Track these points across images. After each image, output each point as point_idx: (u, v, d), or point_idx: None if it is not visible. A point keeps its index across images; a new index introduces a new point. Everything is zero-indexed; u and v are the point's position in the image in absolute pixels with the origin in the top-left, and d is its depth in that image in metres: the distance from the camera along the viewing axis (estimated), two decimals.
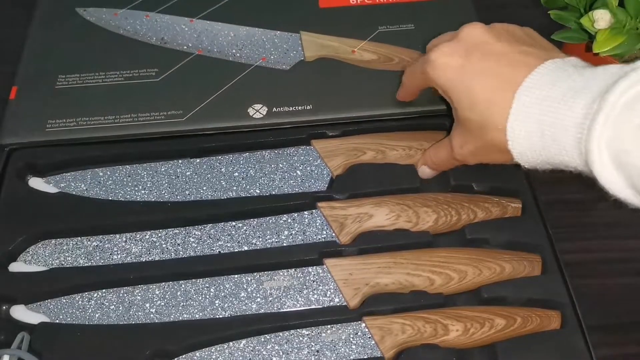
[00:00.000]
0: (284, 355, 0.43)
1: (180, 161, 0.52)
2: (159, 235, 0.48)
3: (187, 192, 0.50)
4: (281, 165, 0.50)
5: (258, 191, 0.50)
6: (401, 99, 0.53)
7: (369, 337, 0.43)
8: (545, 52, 0.41)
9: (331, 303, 0.45)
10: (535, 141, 0.38)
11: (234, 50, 0.58)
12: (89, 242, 0.48)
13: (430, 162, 0.49)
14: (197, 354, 0.43)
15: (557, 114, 0.37)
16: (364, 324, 0.44)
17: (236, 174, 0.50)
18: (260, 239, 0.48)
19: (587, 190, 0.40)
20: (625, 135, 0.34)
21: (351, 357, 0.43)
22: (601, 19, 0.47)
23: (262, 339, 0.44)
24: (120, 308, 0.45)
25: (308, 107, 0.54)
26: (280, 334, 0.44)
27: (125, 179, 0.51)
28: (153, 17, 0.60)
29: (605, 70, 0.37)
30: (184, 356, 0.43)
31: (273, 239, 0.48)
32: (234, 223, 0.48)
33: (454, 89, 0.43)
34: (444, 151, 0.47)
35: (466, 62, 0.42)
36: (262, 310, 0.45)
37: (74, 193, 0.50)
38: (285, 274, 0.46)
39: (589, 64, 0.39)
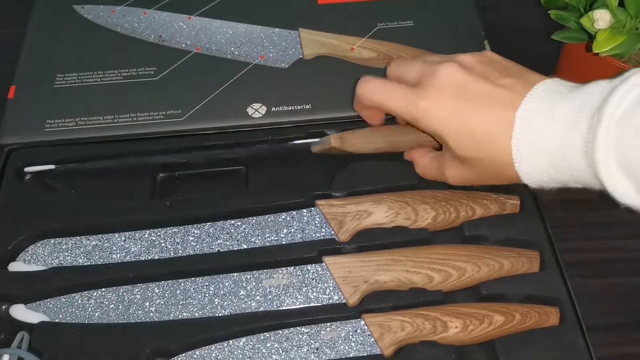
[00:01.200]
0: (283, 353, 0.43)
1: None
2: (158, 234, 0.48)
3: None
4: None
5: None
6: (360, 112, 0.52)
7: (368, 335, 0.43)
8: (523, 78, 0.42)
9: (330, 301, 0.45)
10: (543, 162, 0.39)
11: (232, 48, 0.58)
12: (88, 242, 0.48)
13: (420, 172, 0.50)
14: (197, 353, 0.43)
15: (563, 134, 0.38)
16: (363, 322, 0.44)
17: None
18: (259, 237, 0.48)
19: (586, 190, 0.40)
20: (628, 142, 0.35)
21: (350, 355, 0.43)
22: (601, 19, 0.47)
23: (262, 337, 0.44)
24: (120, 307, 0.45)
25: (307, 107, 0.54)
26: (280, 331, 0.44)
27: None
28: (151, 14, 0.60)
29: (596, 86, 0.38)
30: (183, 355, 0.43)
31: (272, 237, 0.48)
32: (232, 221, 0.48)
33: (451, 132, 0.43)
34: (436, 173, 0.48)
35: (459, 106, 0.42)
36: (262, 308, 0.45)
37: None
38: (285, 272, 0.46)
39: (573, 83, 0.41)
